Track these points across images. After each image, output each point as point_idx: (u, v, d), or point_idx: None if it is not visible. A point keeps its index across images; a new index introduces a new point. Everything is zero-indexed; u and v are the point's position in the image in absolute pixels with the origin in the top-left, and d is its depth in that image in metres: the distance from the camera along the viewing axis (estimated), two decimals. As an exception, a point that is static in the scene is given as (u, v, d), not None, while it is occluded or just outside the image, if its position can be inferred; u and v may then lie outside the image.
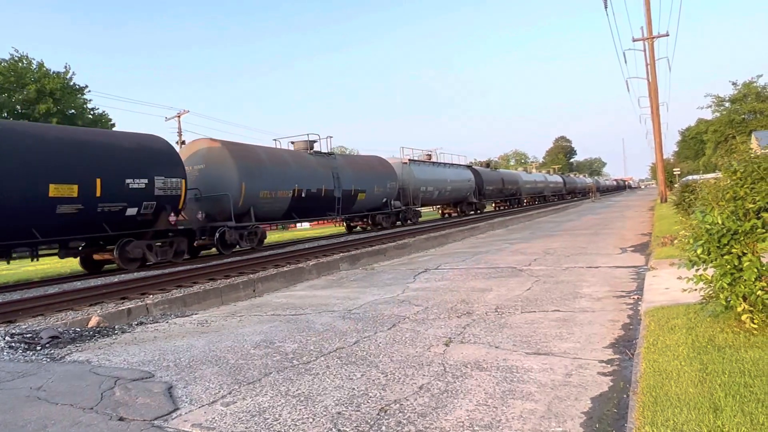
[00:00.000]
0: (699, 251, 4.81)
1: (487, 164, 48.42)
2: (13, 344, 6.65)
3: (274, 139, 31.73)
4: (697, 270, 4.90)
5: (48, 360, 6.01)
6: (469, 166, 42.17)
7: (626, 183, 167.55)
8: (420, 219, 33.21)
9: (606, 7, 36.83)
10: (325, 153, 25.05)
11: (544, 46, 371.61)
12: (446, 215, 40.91)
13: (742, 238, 4.63)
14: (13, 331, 7.30)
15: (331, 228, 38.68)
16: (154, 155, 16.09)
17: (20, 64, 35.82)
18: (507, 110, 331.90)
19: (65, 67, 37.85)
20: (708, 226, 4.77)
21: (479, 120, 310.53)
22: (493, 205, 51.75)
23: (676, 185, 33.02)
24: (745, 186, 4.79)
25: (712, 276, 4.79)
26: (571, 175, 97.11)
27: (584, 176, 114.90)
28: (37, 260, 14.77)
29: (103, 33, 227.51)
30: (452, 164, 39.10)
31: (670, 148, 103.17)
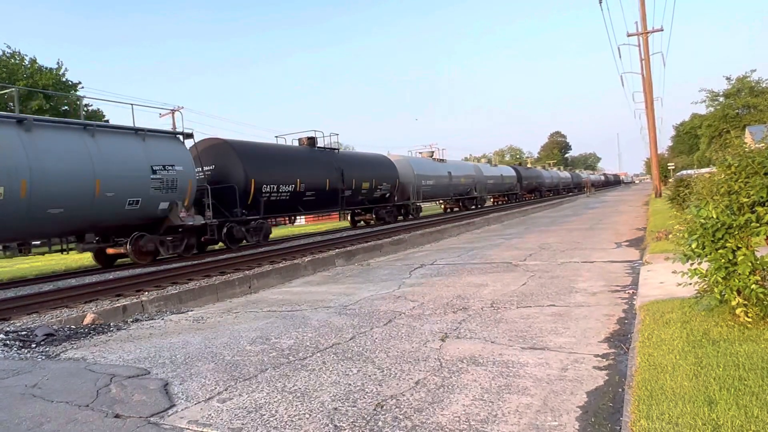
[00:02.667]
0: (694, 245, 4.84)
1: (311, 141, 24.52)
2: (7, 342, 6.62)
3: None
4: (691, 264, 4.93)
5: (43, 358, 5.99)
6: (227, 143, 20.07)
7: (619, 178, 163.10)
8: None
9: (600, 3, 36.80)
10: None
11: (540, 41, 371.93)
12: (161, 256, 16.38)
13: (736, 232, 4.66)
14: (8, 329, 7.27)
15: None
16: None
17: (12, 61, 35.56)
18: (503, 107, 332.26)
19: (58, 62, 37.60)
20: (702, 221, 4.79)
21: (476, 117, 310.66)
22: (352, 219, 29.65)
23: (670, 180, 33.13)
24: (740, 180, 4.82)
25: (707, 270, 4.82)
26: (538, 168, 74.79)
27: (559, 169, 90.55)
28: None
29: (94, 28, 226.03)
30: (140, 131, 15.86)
31: (664, 143, 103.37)
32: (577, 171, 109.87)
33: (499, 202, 51.20)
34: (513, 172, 53.86)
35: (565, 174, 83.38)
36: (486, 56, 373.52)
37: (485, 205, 45.93)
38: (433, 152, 37.53)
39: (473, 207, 41.88)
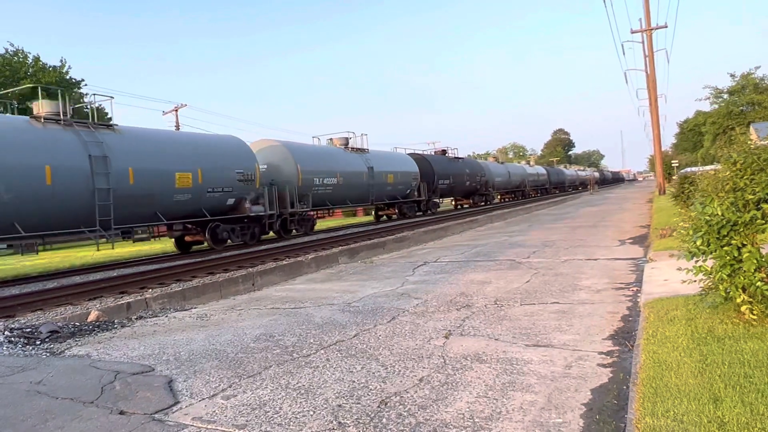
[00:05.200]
0: (698, 242, 4.81)
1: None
2: (12, 339, 6.64)
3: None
4: (696, 261, 4.91)
5: (47, 354, 6.01)
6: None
7: (620, 175, 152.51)
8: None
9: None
10: None
11: (543, 38, 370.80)
12: None
13: (741, 229, 4.63)
14: (13, 326, 7.29)
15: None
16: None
17: (15, 59, 35.62)
18: (507, 105, 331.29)
19: (61, 60, 37.68)
20: (708, 218, 4.77)
21: (478, 114, 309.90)
22: None
23: (674, 177, 33.06)
24: (745, 177, 4.79)
25: (712, 267, 4.80)
26: (474, 159, 49.81)
27: (526, 163, 68.27)
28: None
29: (99, 25, 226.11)
30: None
31: (668, 140, 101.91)
32: (560, 167, 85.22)
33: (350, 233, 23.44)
34: (412, 168, 30.39)
35: (535, 170, 60.49)
36: (489, 53, 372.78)
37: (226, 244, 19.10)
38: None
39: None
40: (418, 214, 31.87)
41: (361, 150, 27.49)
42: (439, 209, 35.87)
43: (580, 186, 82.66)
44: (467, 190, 40.19)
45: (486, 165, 45.08)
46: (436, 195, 34.68)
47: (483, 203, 42.35)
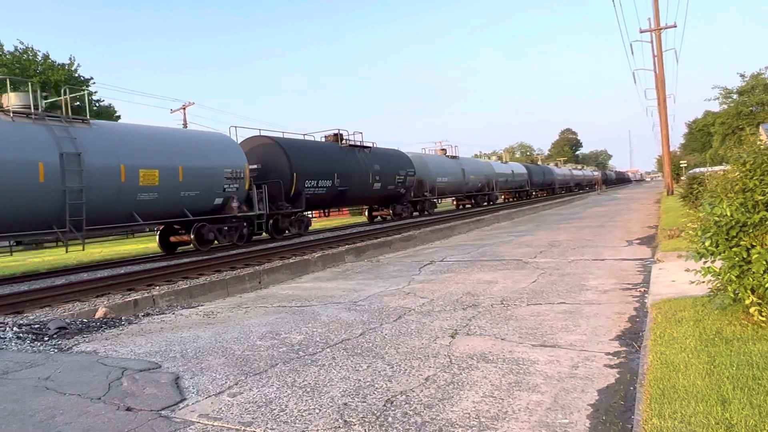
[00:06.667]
0: (707, 243, 4.79)
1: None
2: (21, 335, 6.69)
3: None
4: (704, 262, 4.88)
5: (55, 350, 6.05)
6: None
7: (625, 175, 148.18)
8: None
9: (613, -2, 36.53)
10: None
11: (552, 37, 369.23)
12: None
13: (751, 231, 4.60)
14: (21, 322, 7.35)
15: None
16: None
17: (25, 56, 35.84)
18: (514, 105, 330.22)
19: (70, 58, 37.87)
20: (716, 218, 4.74)
21: (486, 115, 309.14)
22: None
23: (682, 178, 32.84)
24: (755, 178, 4.75)
25: (720, 268, 4.77)
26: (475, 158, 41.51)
27: (498, 159, 54.01)
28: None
29: (107, 21, 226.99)
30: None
31: (677, 140, 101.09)
32: (551, 165, 72.35)
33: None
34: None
35: (508, 168, 46.72)
36: (494, 53, 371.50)
37: None
38: None
39: None
40: (265, 235, 19.99)
41: (74, 120, 13.83)
42: (309, 229, 22.06)
43: (575, 188, 72.31)
44: (382, 197, 26.63)
45: (422, 159, 31.43)
46: (300, 205, 20.57)
47: (417, 213, 29.88)
